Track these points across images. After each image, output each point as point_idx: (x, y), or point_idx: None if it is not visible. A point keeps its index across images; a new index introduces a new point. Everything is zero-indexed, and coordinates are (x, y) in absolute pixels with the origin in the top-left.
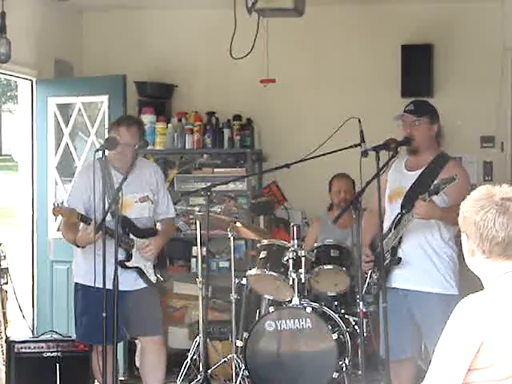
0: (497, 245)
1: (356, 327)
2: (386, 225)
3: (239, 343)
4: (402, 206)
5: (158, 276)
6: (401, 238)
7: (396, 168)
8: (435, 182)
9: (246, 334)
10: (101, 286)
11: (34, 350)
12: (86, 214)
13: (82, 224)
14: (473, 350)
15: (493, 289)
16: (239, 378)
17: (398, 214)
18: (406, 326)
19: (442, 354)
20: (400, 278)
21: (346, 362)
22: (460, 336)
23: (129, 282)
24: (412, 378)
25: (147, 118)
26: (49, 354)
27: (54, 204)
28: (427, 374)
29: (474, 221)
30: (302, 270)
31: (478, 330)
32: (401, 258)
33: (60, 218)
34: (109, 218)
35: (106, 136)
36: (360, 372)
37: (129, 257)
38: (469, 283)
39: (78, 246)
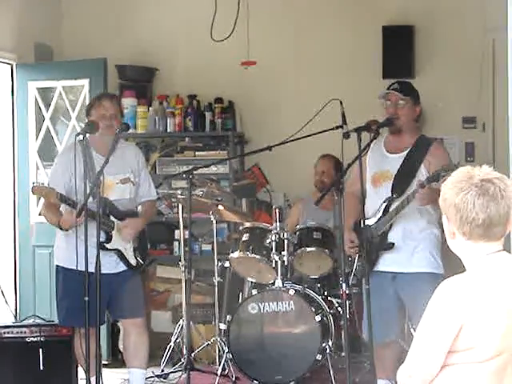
0: (477, 227)
1: (339, 309)
2: (372, 207)
3: (222, 326)
4: (392, 190)
5: (139, 259)
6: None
7: (375, 150)
8: (436, 168)
9: (229, 317)
10: (82, 269)
11: (16, 335)
12: (66, 195)
13: (63, 206)
14: (453, 333)
15: (474, 271)
16: (223, 361)
17: (388, 198)
18: (390, 310)
19: (423, 336)
20: (389, 261)
21: (330, 343)
22: (440, 319)
23: (110, 264)
24: (395, 360)
25: (128, 102)
26: (31, 339)
27: (33, 183)
28: (408, 356)
29: (454, 203)
30: (285, 253)
31: (458, 314)
32: (393, 244)
33: (41, 202)
34: (90, 199)
35: (87, 120)
36: (343, 353)
37: (109, 239)
38: (453, 263)
39: (62, 229)
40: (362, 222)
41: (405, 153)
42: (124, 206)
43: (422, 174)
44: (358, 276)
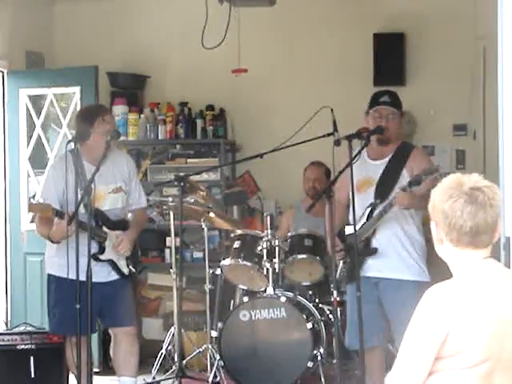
0: (465, 234)
1: (330, 316)
2: (358, 214)
3: (214, 333)
4: (375, 195)
5: (131, 268)
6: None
7: (358, 158)
8: (417, 172)
9: (220, 325)
10: (74, 278)
11: (7, 343)
12: (60, 207)
13: (56, 219)
14: (439, 339)
15: (460, 278)
16: (214, 369)
17: (371, 203)
18: (373, 316)
19: (409, 342)
20: (374, 267)
21: (321, 351)
22: (426, 325)
23: (102, 273)
24: (382, 365)
25: (120, 109)
26: (23, 347)
27: (29, 200)
28: (395, 363)
29: (443, 210)
30: (276, 260)
31: (444, 320)
32: (377, 249)
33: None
34: (82, 210)
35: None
36: (335, 361)
37: (102, 249)
38: (439, 270)
39: (53, 242)
40: (345, 228)
41: (386, 159)
42: (116, 216)
43: (405, 178)
44: (340, 282)
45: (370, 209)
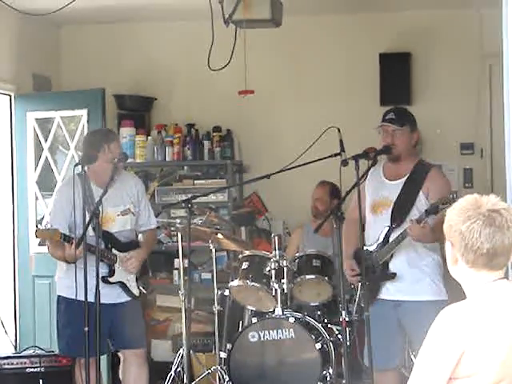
0: (481, 256)
1: (339, 336)
2: (372, 235)
3: (223, 355)
4: (391, 219)
5: (141, 288)
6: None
7: (373, 177)
8: (433, 201)
9: (229, 346)
10: (83, 300)
11: (16, 366)
12: (69, 230)
13: (66, 245)
14: (453, 360)
15: (475, 299)
16: None
17: (388, 227)
18: (393, 337)
19: (423, 363)
20: (393, 290)
21: (330, 371)
22: (441, 346)
23: (112, 295)
24: None
25: (127, 131)
26: (32, 370)
27: (36, 227)
28: (408, 382)
29: (460, 230)
30: (285, 281)
31: (459, 340)
32: (395, 274)
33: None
34: (91, 233)
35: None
36: (344, 381)
37: (111, 272)
38: (456, 288)
39: (69, 263)
40: (362, 249)
41: (403, 179)
42: (126, 237)
43: (421, 201)
44: (361, 304)
45: (385, 232)
